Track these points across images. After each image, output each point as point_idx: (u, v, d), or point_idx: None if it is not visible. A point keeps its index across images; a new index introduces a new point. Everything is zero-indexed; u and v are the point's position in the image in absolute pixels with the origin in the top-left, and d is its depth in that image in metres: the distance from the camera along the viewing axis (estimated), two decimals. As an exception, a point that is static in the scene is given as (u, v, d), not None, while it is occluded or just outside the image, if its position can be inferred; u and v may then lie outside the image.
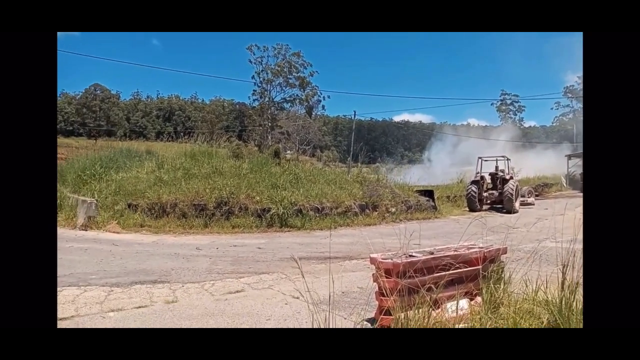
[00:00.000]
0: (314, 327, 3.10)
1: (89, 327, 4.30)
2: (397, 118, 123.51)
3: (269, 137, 59.43)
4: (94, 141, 50.19)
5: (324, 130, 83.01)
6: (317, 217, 12.93)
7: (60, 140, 57.28)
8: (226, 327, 4.31)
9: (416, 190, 17.06)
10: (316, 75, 64.43)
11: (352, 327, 3.67)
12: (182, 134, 40.89)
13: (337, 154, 78.50)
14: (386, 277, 3.78)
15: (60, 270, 6.66)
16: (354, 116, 45.06)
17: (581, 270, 3.32)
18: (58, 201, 13.46)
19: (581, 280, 3.36)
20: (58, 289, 5.60)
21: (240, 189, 12.95)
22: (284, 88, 63.17)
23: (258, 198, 12.75)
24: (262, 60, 61.67)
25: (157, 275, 6.61)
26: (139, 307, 5.03)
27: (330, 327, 3.09)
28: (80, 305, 5.00)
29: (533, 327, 3.57)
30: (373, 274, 4.06)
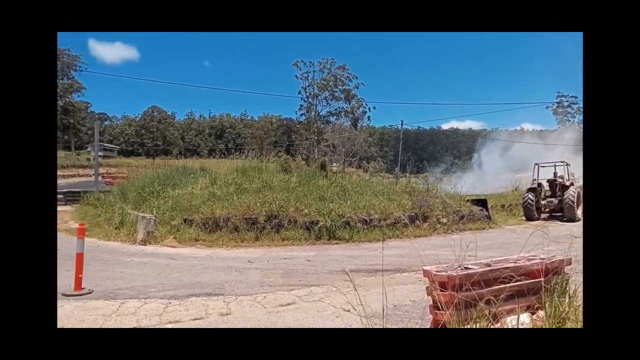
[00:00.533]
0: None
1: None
2: (445, 126, 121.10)
3: (316, 151, 60.14)
4: (152, 160, 53.34)
5: (369, 141, 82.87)
6: (365, 229, 12.80)
7: (122, 160, 61.36)
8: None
9: (468, 200, 16.44)
10: (361, 87, 64.79)
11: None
12: (233, 150, 42.33)
13: (384, 164, 77.84)
14: (441, 290, 3.64)
15: (122, 284, 7.09)
16: (402, 125, 44.44)
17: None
18: (120, 218, 14.33)
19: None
20: (121, 301, 5.95)
21: (289, 202, 13.13)
22: (329, 101, 64.05)
23: (306, 211, 12.86)
24: (308, 76, 63.04)
25: (211, 288, 6.81)
26: (195, 319, 5.19)
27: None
28: (140, 317, 5.24)
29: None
30: (427, 287, 3.93)
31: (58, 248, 10.18)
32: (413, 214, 13.87)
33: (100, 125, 60.67)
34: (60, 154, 60.08)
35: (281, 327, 4.84)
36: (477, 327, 3.47)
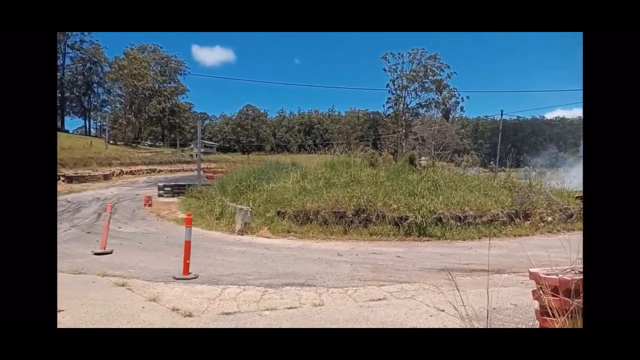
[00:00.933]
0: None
1: (249, 324, 4.77)
2: (549, 115, 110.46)
3: (403, 144, 58.84)
4: (247, 156, 56.58)
5: (462, 133, 78.75)
6: (458, 226, 12.21)
7: (220, 156, 66.10)
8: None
9: (578, 197, 14.80)
10: (454, 77, 61.80)
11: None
12: (320, 145, 43.20)
13: (478, 157, 73.39)
14: (552, 295, 3.33)
15: (223, 270, 7.62)
16: (501, 116, 41.45)
17: None
18: (220, 209, 15.46)
19: None
20: (223, 286, 6.40)
21: (377, 197, 13.03)
22: (419, 93, 62.08)
23: (395, 206, 12.65)
24: (396, 68, 61.71)
25: (304, 279, 7.03)
26: (290, 307, 5.39)
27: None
28: (240, 303, 5.59)
29: None
30: (533, 291, 3.62)
31: (167, 235, 11.25)
32: (513, 211, 12.90)
33: (202, 124, 65.91)
34: (167, 150, 66.64)
35: (373, 321, 4.82)
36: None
